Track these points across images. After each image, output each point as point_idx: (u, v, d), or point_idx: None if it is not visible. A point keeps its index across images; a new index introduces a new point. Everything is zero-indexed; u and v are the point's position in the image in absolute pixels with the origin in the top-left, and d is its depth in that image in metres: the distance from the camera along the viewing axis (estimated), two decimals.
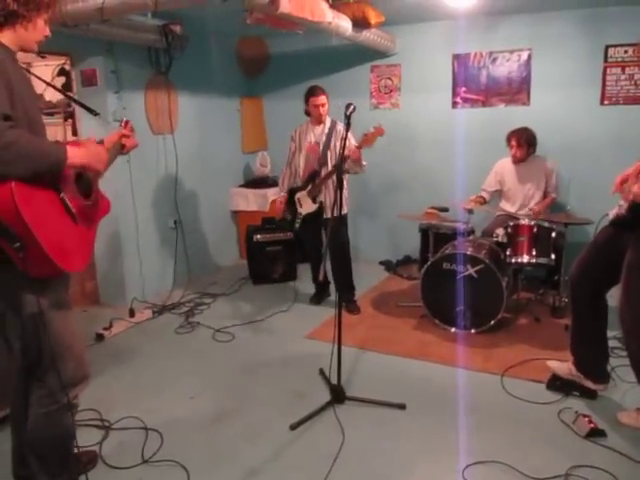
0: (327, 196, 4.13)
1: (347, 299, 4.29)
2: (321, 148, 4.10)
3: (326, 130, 4.12)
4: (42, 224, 1.72)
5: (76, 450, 2.19)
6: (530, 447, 2.53)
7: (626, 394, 2.92)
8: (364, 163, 3.98)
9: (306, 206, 4.17)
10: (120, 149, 2.31)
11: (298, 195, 4.21)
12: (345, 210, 4.19)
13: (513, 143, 4.37)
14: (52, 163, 1.76)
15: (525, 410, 2.85)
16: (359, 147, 3.86)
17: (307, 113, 4.21)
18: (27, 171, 1.68)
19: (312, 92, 4.06)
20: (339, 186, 2.98)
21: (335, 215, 2.96)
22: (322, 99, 4.03)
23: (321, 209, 4.13)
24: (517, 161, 4.44)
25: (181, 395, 3.08)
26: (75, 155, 1.82)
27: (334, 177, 4.00)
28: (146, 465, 2.46)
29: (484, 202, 4.54)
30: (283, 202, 4.29)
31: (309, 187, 4.13)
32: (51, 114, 5.04)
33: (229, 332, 3.96)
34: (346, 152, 3.83)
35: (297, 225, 4.23)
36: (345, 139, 3.03)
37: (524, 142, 4.33)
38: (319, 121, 4.13)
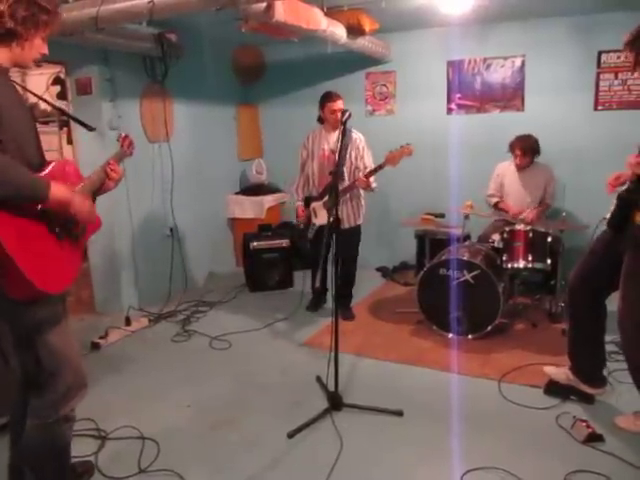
0: (343, 208, 4.07)
1: (343, 305, 4.28)
2: (337, 158, 4.06)
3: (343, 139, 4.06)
4: (21, 244, 1.67)
5: (72, 460, 2.18)
6: (528, 453, 2.52)
7: (623, 398, 2.92)
8: (374, 185, 3.97)
9: (321, 217, 4.08)
10: (100, 184, 2.13)
11: (314, 205, 4.15)
12: (360, 221, 4.20)
13: (518, 152, 4.36)
14: (30, 196, 1.70)
15: (523, 416, 2.84)
16: (368, 176, 3.87)
17: (320, 120, 4.15)
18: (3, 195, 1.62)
19: (329, 97, 4.00)
20: (335, 194, 2.96)
21: (332, 224, 2.94)
22: (340, 104, 3.96)
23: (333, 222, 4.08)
24: (521, 168, 4.45)
25: (178, 404, 3.07)
26: (59, 191, 1.75)
27: (353, 190, 4.05)
28: (143, 475, 2.44)
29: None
30: (304, 210, 4.22)
31: (326, 198, 4.03)
32: (46, 123, 5.05)
33: (226, 340, 3.94)
34: (356, 180, 3.91)
35: (310, 235, 4.20)
36: (340, 144, 3.03)
37: (529, 150, 4.34)
38: (335, 127, 4.01)
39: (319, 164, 4.14)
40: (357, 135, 4.07)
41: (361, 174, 3.97)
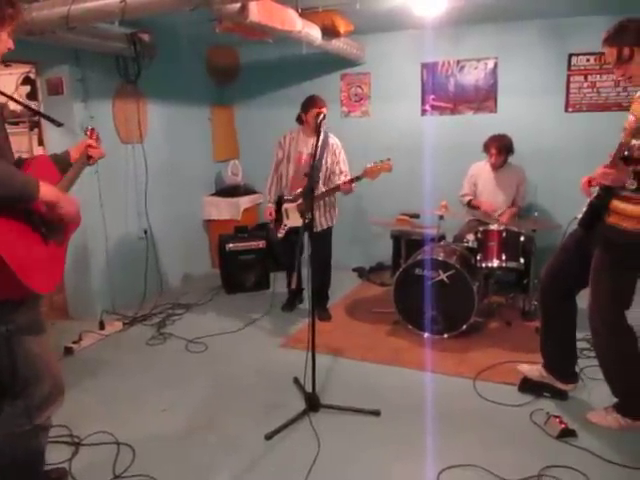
0: (317, 212, 4.05)
1: (319, 306, 4.28)
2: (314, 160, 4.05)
3: (320, 143, 4.04)
4: (9, 245, 1.66)
5: (45, 467, 2.14)
6: (503, 449, 2.56)
7: (594, 394, 2.98)
8: (354, 186, 3.95)
9: (293, 219, 4.09)
10: (86, 160, 2.24)
11: (286, 206, 4.14)
12: (332, 224, 4.21)
13: (493, 151, 4.40)
14: (21, 196, 1.70)
15: (498, 413, 2.88)
16: (352, 181, 3.88)
17: (300, 121, 4.11)
18: None
19: (315, 103, 3.96)
20: (310, 197, 2.96)
21: (306, 226, 2.95)
22: (325, 110, 3.91)
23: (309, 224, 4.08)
24: (495, 168, 4.51)
25: (153, 408, 3.03)
26: (47, 191, 1.76)
27: (330, 196, 4.06)
28: None
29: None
30: (273, 213, 4.21)
31: (299, 201, 4.04)
32: (16, 123, 4.94)
33: (202, 343, 3.91)
34: (340, 183, 3.92)
35: (280, 235, 4.19)
36: (316, 147, 3.03)
37: (504, 149, 4.39)
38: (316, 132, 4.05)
39: (295, 167, 4.13)
40: (334, 140, 4.10)
41: (341, 178, 3.99)
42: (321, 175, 4.06)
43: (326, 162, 4.04)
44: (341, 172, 4.06)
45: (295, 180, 4.12)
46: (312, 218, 2.93)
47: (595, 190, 2.55)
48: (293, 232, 4.13)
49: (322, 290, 4.33)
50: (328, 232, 4.23)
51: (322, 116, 2.99)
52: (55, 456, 2.50)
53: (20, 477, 2.02)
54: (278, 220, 4.20)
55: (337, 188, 3.96)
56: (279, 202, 4.21)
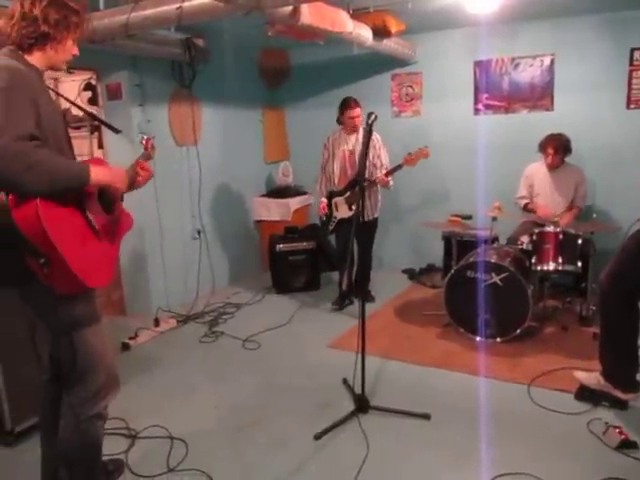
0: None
1: (363, 287, 4.45)
2: (357, 158, 4.29)
3: (360, 139, 4.29)
4: (67, 241, 1.74)
5: (103, 458, 2.22)
6: (558, 459, 2.48)
7: None
8: (391, 183, 4.27)
9: (342, 211, 4.42)
10: (131, 183, 2.13)
11: (336, 200, 4.46)
12: (377, 214, 4.50)
13: (550, 151, 4.26)
14: (76, 182, 1.77)
15: (553, 421, 2.79)
16: (387, 174, 4.17)
17: (339, 121, 4.41)
18: (52, 190, 1.69)
19: (347, 105, 4.26)
20: (361, 194, 2.98)
21: (362, 219, 3.07)
22: (357, 111, 4.25)
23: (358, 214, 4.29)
24: (552, 168, 4.37)
25: (205, 404, 3.10)
26: (98, 174, 1.83)
27: (372, 188, 4.33)
28: (172, 474, 2.48)
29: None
30: (325, 206, 4.50)
31: (347, 194, 4.34)
32: (78, 128, 5.15)
33: (253, 341, 3.97)
34: (376, 178, 4.22)
35: (331, 227, 4.50)
36: (367, 147, 3.06)
37: (561, 149, 4.25)
38: (353, 130, 4.35)
39: (340, 164, 4.42)
40: (374, 135, 4.23)
41: (379, 172, 4.25)
42: (367, 171, 4.16)
43: (368, 156, 4.14)
44: (382, 165, 4.31)
45: (341, 176, 4.43)
46: (363, 209, 3.06)
47: None
48: (343, 224, 4.41)
49: (365, 270, 4.49)
50: (374, 223, 4.50)
51: (373, 117, 2.98)
52: (113, 447, 2.59)
53: (81, 464, 2.09)
54: (329, 213, 4.48)
55: (372, 182, 4.20)
56: (330, 197, 4.48)
